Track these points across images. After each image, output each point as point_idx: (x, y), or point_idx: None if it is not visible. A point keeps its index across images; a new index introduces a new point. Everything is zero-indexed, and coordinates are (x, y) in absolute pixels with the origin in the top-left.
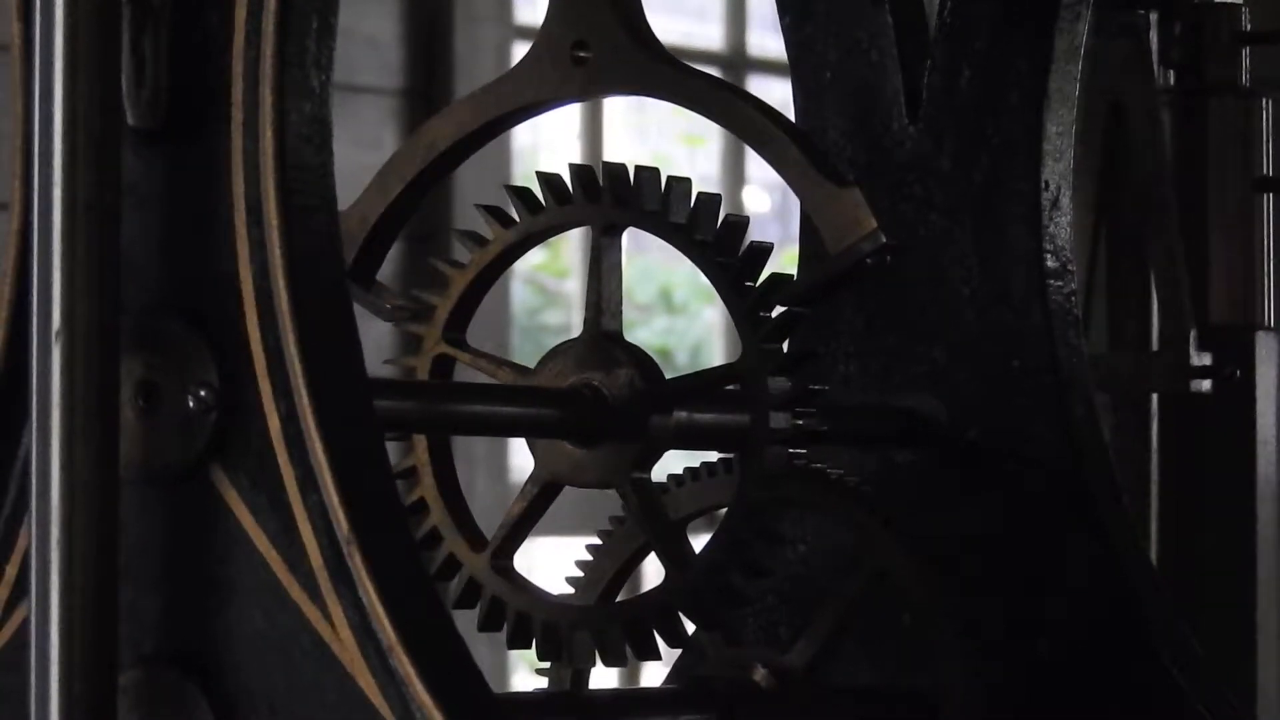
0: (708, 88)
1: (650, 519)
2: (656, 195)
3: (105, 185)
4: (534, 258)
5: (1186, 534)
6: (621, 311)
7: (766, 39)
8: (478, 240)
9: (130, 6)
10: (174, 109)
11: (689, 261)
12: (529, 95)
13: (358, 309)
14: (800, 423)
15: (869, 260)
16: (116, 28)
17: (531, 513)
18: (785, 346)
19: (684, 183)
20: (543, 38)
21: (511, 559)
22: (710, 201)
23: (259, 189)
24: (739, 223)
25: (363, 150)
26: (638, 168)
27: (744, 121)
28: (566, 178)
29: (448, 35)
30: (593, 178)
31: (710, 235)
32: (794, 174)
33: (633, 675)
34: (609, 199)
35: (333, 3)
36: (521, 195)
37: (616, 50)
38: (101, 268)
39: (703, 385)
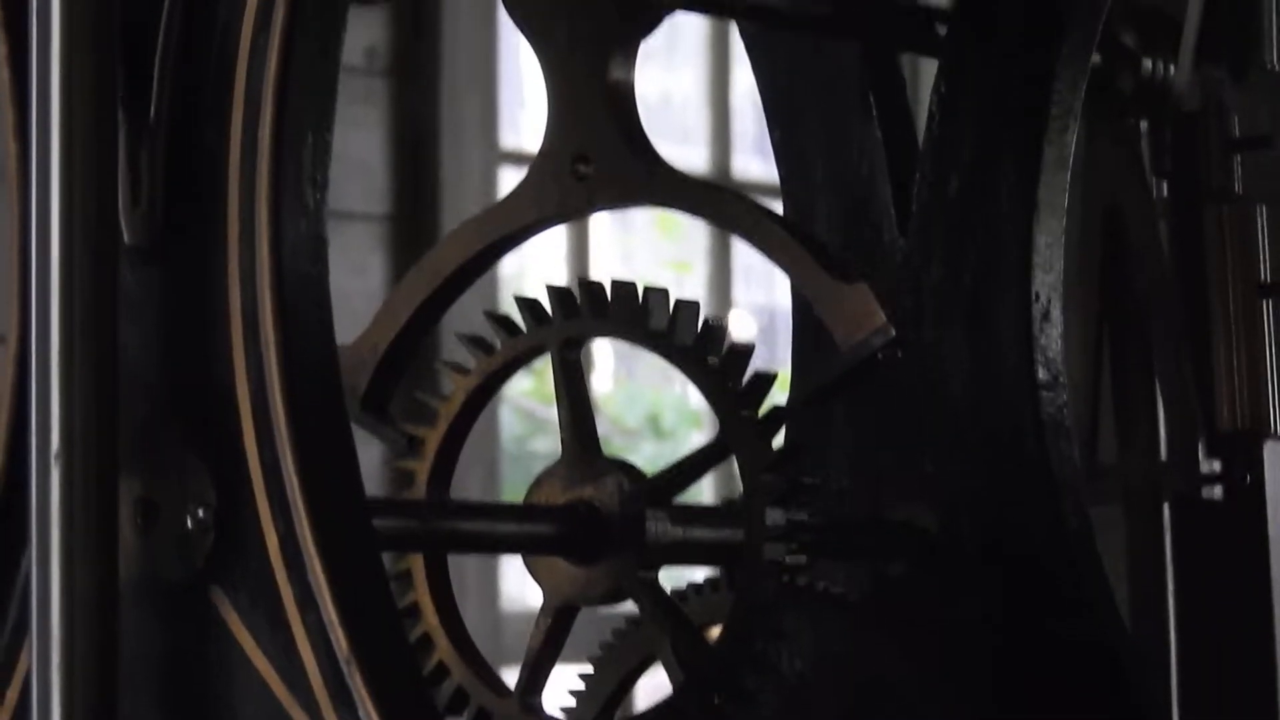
0: (710, 193)
1: (667, 618)
2: (633, 307)
3: (103, 305)
4: (521, 384)
5: (1205, 642)
6: (596, 426)
7: (751, 162)
8: (484, 347)
9: (126, 122)
10: (170, 224)
11: (676, 387)
12: (533, 214)
13: (361, 433)
14: (795, 556)
15: (880, 355)
16: (112, 144)
17: (551, 643)
18: (778, 451)
19: (661, 292)
20: (543, 154)
21: (540, 696)
22: (689, 308)
23: (256, 304)
24: (719, 326)
25: (350, 275)
26: (613, 282)
27: (749, 224)
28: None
29: (433, 159)
30: (570, 295)
31: (690, 339)
32: (802, 272)
33: None
34: (575, 316)
35: (328, 120)
36: (501, 322)
37: (618, 162)
38: (100, 388)
39: (689, 471)
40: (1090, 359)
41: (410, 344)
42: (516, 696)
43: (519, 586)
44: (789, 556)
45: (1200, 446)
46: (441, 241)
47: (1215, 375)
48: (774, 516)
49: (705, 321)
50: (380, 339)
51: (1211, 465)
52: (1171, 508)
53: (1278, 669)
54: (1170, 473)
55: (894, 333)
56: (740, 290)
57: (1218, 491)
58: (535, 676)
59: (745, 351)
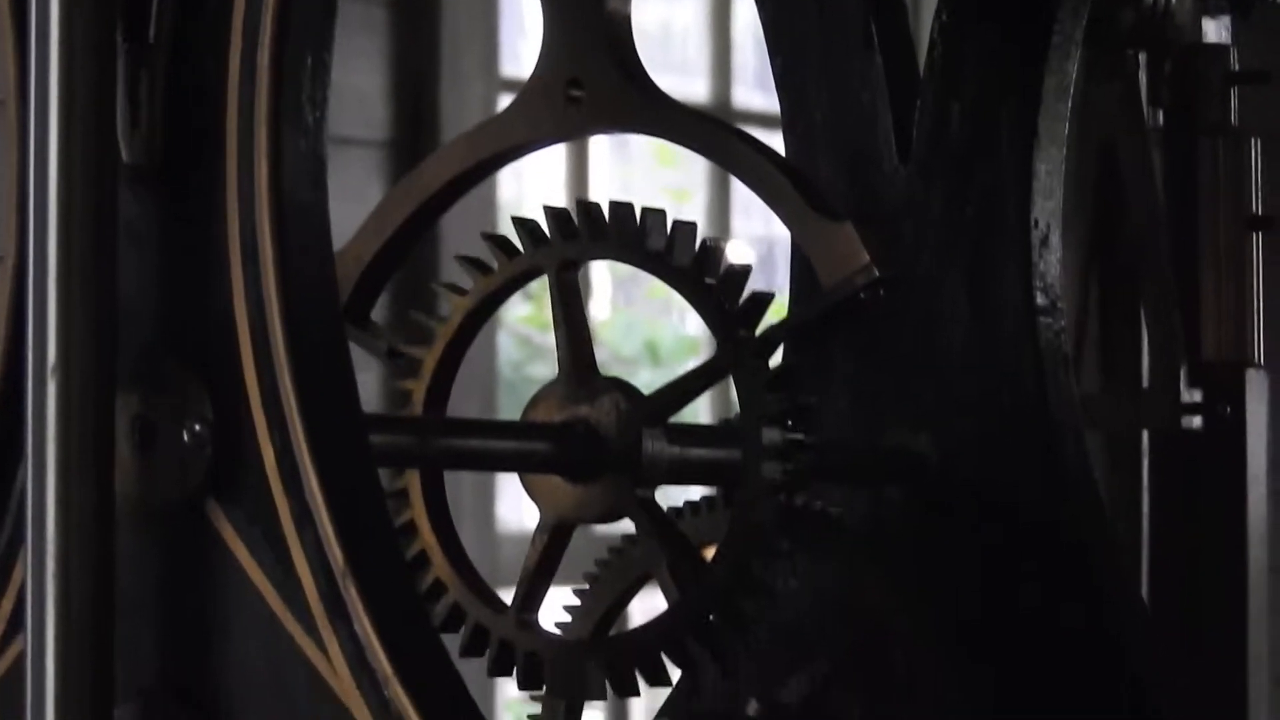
0: (701, 125)
1: (664, 536)
2: (630, 228)
3: (102, 223)
4: (518, 310)
5: (1179, 570)
6: (593, 347)
7: (752, 93)
8: (460, 291)
9: (126, 46)
10: (170, 147)
11: (674, 315)
12: (522, 134)
13: (359, 356)
14: (792, 472)
15: (862, 295)
16: (112, 67)
17: (547, 561)
18: (775, 371)
19: (658, 214)
20: (536, 77)
21: (537, 613)
22: (687, 229)
23: (254, 226)
24: (714, 245)
25: (349, 202)
26: (611, 203)
27: (737, 158)
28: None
29: (434, 89)
30: (567, 216)
31: (688, 260)
32: (787, 210)
33: (621, 712)
34: (572, 237)
35: (328, 40)
36: (499, 243)
37: (610, 88)
38: (98, 305)
39: (686, 391)
40: (1079, 288)
41: (395, 256)
42: (513, 613)
43: (515, 508)
44: (785, 473)
45: (1182, 376)
46: (432, 156)
47: (1201, 307)
48: (771, 435)
49: (703, 242)
50: (365, 250)
51: (1193, 396)
52: (1151, 438)
53: (1248, 601)
54: (1151, 403)
55: (878, 273)
56: (739, 221)
57: (1197, 422)
58: (531, 594)
59: (742, 272)
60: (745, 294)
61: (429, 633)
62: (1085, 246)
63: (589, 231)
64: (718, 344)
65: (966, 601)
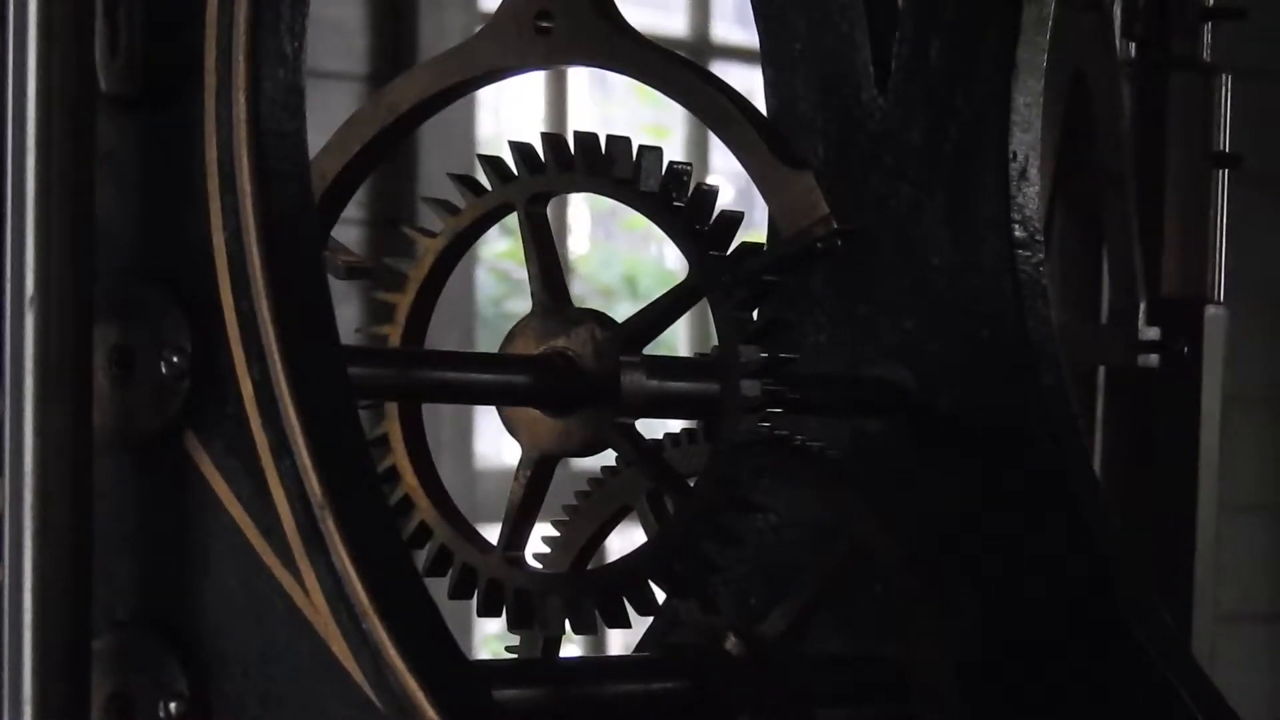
0: (668, 64)
1: (648, 463)
2: (597, 157)
3: (79, 152)
4: (497, 245)
5: (1130, 508)
6: (565, 279)
7: (731, 29)
8: (449, 209)
9: None
10: (148, 76)
11: (653, 248)
12: (491, 61)
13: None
14: (770, 389)
15: (819, 245)
16: None
17: (531, 497)
18: (756, 316)
19: (623, 140)
20: (506, 5)
21: (523, 550)
22: (653, 153)
23: (232, 155)
24: (683, 169)
25: (327, 135)
26: (576, 134)
27: (702, 100)
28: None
29: (412, 21)
30: (533, 151)
31: (656, 185)
32: (749, 156)
33: (598, 646)
34: (540, 171)
35: None
36: (467, 182)
37: (579, 21)
38: (76, 234)
39: (661, 315)
40: (1042, 220)
41: (358, 175)
42: (499, 551)
43: (494, 444)
44: (764, 391)
45: (1141, 314)
46: (399, 78)
47: (1164, 241)
48: (749, 353)
49: (670, 166)
50: (329, 167)
51: (1150, 333)
52: (1106, 372)
53: (1196, 538)
54: (1109, 339)
55: (835, 224)
56: (718, 157)
57: (1154, 360)
58: (517, 530)
59: (711, 193)
60: (715, 214)
61: (407, 565)
62: (1049, 178)
63: (556, 164)
64: (690, 265)
65: (947, 528)
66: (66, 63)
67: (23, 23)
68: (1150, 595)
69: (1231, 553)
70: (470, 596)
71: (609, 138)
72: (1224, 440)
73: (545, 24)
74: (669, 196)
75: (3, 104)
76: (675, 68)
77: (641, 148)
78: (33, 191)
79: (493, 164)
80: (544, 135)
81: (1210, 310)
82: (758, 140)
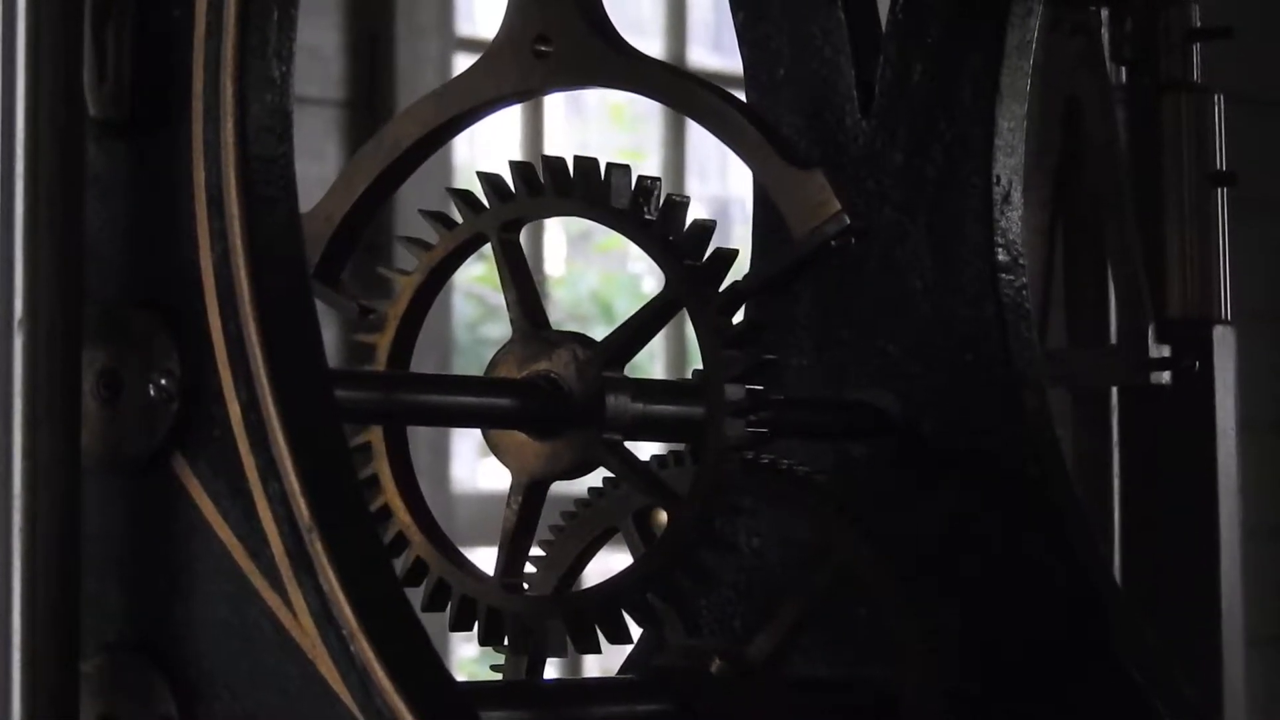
0: (670, 77)
1: (639, 478)
2: (565, 180)
3: (68, 176)
4: (471, 269)
5: (1149, 527)
6: (543, 302)
7: (708, 54)
8: (424, 246)
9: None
10: (136, 100)
11: (629, 268)
12: (491, 90)
13: (321, 308)
14: (755, 419)
15: (834, 242)
16: (79, 19)
17: (525, 522)
18: (738, 327)
19: (589, 160)
20: (504, 32)
21: (520, 576)
22: (621, 171)
23: (220, 179)
24: (651, 183)
25: (306, 161)
26: (543, 158)
27: (707, 109)
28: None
29: (390, 48)
30: (502, 180)
31: (626, 202)
32: (758, 159)
33: (574, 669)
34: (510, 198)
35: None
36: (438, 218)
37: (578, 43)
38: (64, 257)
39: (640, 330)
40: (1043, 246)
41: (365, 215)
42: (496, 579)
43: (469, 469)
44: (750, 429)
45: (1150, 333)
46: (399, 114)
47: (1166, 262)
48: (734, 392)
49: (639, 181)
50: (335, 209)
51: (1160, 351)
52: (1119, 393)
53: (1220, 557)
54: (1119, 359)
55: (849, 221)
56: (694, 182)
57: (1166, 377)
58: (513, 557)
59: (682, 204)
60: (687, 225)
61: (394, 587)
62: (1050, 203)
63: (526, 190)
64: (666, 277)
65: (931, 549)
66: (55, 87)
67: (11, 47)
68: (1136, 616)
69: (1253, 577)
70: (471, 627)
71: (576, 159)
72: (1241, 457)
73: (544, 48)
74: (639, 211)
75: None
76: (677, 80)
77: (609, 165)
78: (21, 214)
79: (463, 197)
80: (511, 163)
81: (1218, 330)
82: (765, 144)
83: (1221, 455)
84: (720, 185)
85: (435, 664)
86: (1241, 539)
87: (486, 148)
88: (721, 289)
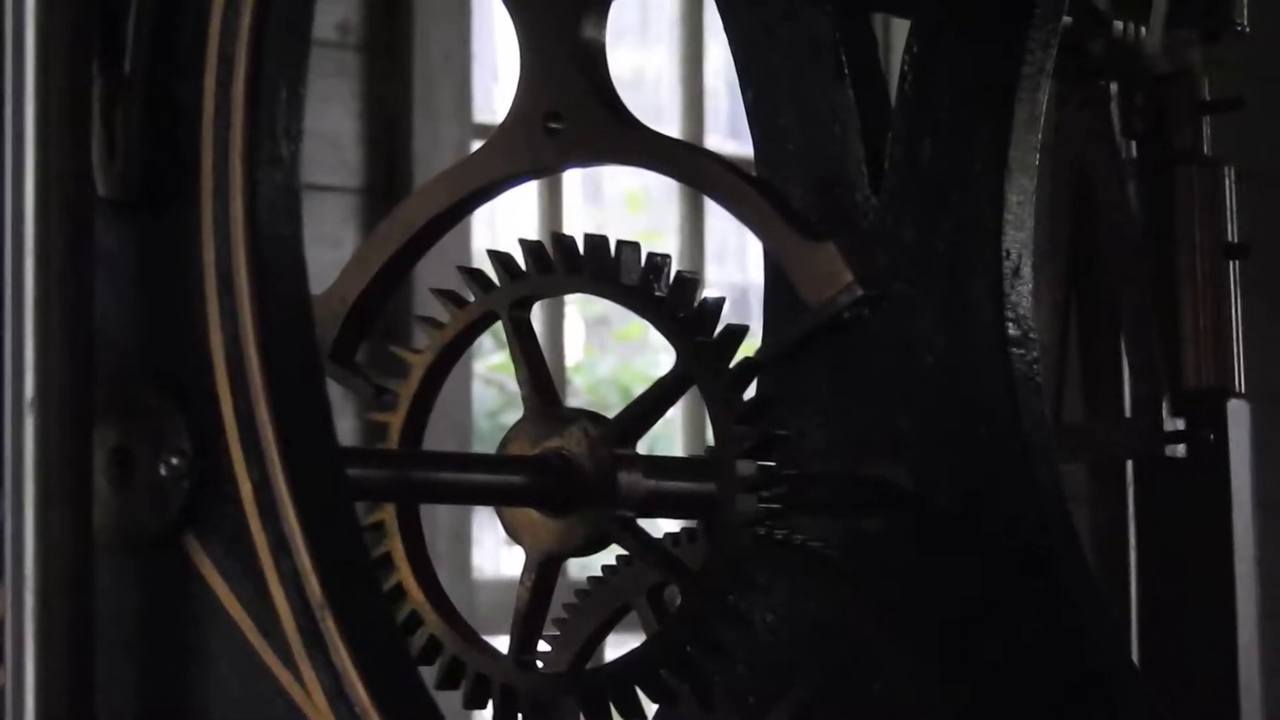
0: (680, 151)
1: (652, 555)
2: (575, 258)
3: (78, 255)
4: (492, 358)
5: (1167, 599)
6: (553, 380)
7: (724, 141)
8: (457, 301)
9: (101, 79)
10: (145, 180)
11: (647, 355)
12: (503, 169)
13: (337, 390)
14: (768, 495)
15: (846, 314)
16: (87, 100)
17: (538, 599)
18: (750, 402)
19: (600, 238)
20: (515, 110)
21: (534, 654)
22: (630, 248)
23: (230, 258)
24: (661, 260)
25: (324, 248)
26: (553, 236)
27: (717, 182)
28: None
29: (407, 134)
30: (512, 259)
31: (636, 278)
32: (770, 231)
33: None
34: (521, 277)
35: (301, 73)
36: (450, 296)
37: (589, 119)
38: (75, 337)
39: (651, 407)
40: (1058, 320)
41: (379, 296)
42: (511, 657)
43: (491, 556)
44: (762, 505)
45: (1165, 405)
46: (413, 194)
47: (1180, 335)
48: (746, 468)
49: (649, 258)
50: (349, 291)
51: (1175, 424)
52: (1135, 466)
53: (1238, 628)
54: (1134, 431)
55: (861, 292)
56: (713, 267)
57: (1181, 450)
58: (527, 634)
59: (693, 280)
60: (698, 300)
61: (407, 664)
62: (1064, 278)
63: (536, 268)
64: (677, 353)
65: (945, 626)
66: (63, 167)
67: (20, 126)
68: (1147, 695)
69: (1271, 656)
70: (485, 705)
71: (586, 236)
72: (1258, 528)
73: (555, 125)
74: (650, 287)
75: (1, 207)
76: (687, 153)
77: (620, 243)
78: (31, 294)
79: (474, 275)
80: (522, 242)
81: (1233, 403)
82: (776, 216)
83: (1237, 526)
84: (739, 271)
85: None
86: (1259, 618)
87: (505, 231)
88: (733, 364)
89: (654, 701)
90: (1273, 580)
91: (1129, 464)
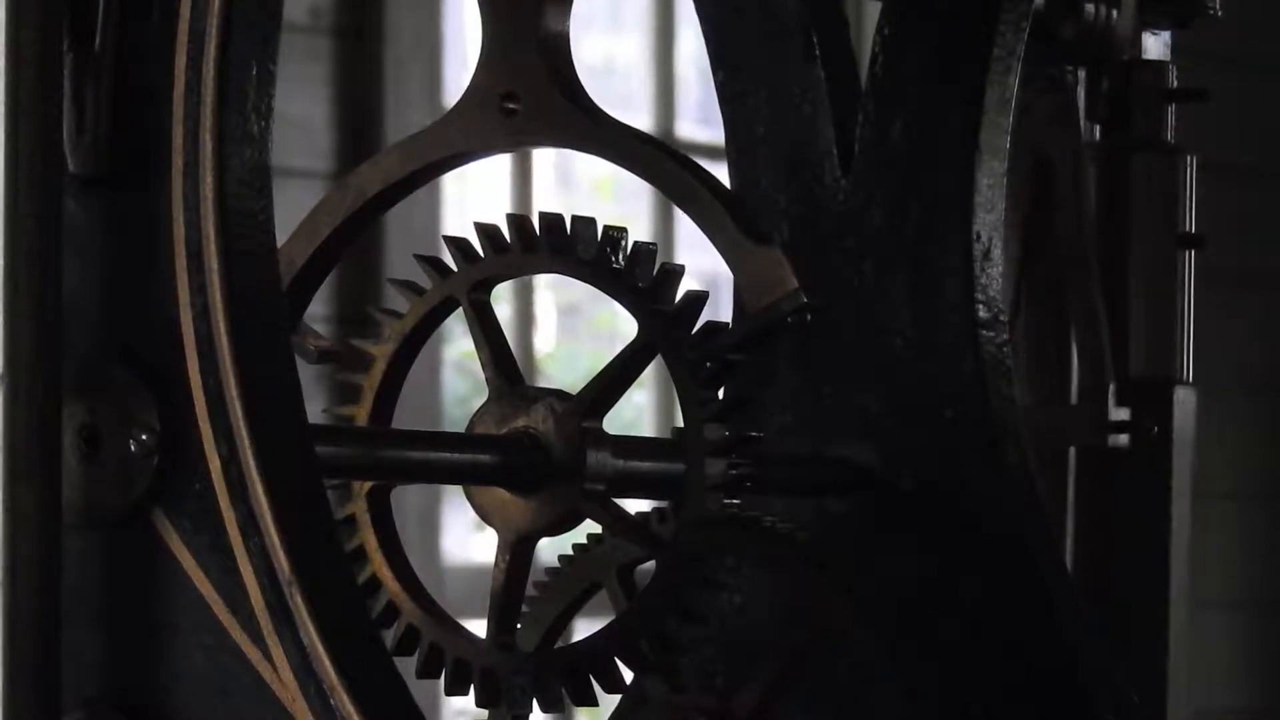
0: (634, 142)
1: (627, 528)
2: (531, 238)
3: (47, 231)
4: (462, 344)
5: (1102, 588)
6: (515, 359)
7: (696, 127)
8: (415, 290)
9: (71, 54)
10: (115, 156)
11: (619, 344)
12: (457, 144)
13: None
14: (735, 471)
15: (789, 320)
16: (57, 75)
17: (514, 580)
18: (720, 395)
19: (555, 216)
20: (472, 88)
21: (513, 635)
22: (586, 223)
23: (200, 234)
24: (617, 232)
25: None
26: (508, 216)
27: (668, 177)
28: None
29: (378, 119)
30: (468, 243)
31: (593, 252)
32: (716, 231)
33: None
34: (477, 260)
35: (272, 50)
36: (406, 285)
37: (545, 102)
38: (43, 313)
39: (616, 378)
40: (1006, 304)
41: (328, 260)
42: (489, 641)
43: (460, 541)
44: (731, 470)
45: (1110, 395)
46: (366, 163)
47: (1130, 323)
48: (713, 432)
49: (605, 230)
50: (298, 253)
51: (1120, 413)
52: (1077, 455)
53: (1169, 621)
54: (1078, 418)
55: (804, 299)
56: (684, 254)
57: (1124, 440)
58: (504, 616)
59: (649, 250)
60: (656, 269)
61: (374, 639)
62: (1015, 261)
63: (493, 250)
64: (638, 323)
65: (911, 606)
66: (33, 142)
67: None
68: (1116, 672)
69: (1200, 647)
70: (466, 690)
71: (541, 214)
72: (1195, 521)
73: (512, 105)
74: (607, 260)
75: None
76: (640, 145)
77: (575, 218)
78: (0, 270)
79: (432, 262)
80: (477, 225)
81: (1179, 391)
82: (723, 215)
83: (1176, 518)
84: (711, 259)
85: (416, 717)
86: (1189, 608)
87: (474, 214)
88: (694, 331)
89: (633, 670)
90: (1205, 568)
91: (1071, 452)
